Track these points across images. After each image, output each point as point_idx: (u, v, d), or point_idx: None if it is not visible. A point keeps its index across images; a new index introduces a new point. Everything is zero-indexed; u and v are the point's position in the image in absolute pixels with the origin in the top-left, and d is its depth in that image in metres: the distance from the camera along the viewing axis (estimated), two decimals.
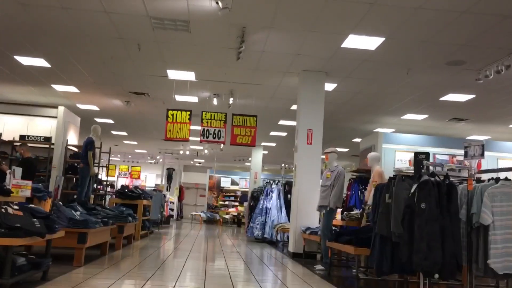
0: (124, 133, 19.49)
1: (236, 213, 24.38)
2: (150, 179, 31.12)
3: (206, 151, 22.73)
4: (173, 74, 10.31)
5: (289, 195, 13.21)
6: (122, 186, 11.57)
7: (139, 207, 10.99)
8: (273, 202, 12.92)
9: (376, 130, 15.16)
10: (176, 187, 26.25)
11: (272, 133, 17.25)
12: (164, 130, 10.60)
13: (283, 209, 12.93)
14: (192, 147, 22.41)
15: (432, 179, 4.05)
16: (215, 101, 11.89)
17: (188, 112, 10.59)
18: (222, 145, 19.30)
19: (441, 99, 10.99)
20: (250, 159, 23.55)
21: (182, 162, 29.34)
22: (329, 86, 10.38)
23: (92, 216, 7.64)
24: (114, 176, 27.14)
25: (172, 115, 10.58)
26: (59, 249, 7.02)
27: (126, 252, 8.25)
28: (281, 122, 15.10)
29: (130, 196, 10.98)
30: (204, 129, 10.63)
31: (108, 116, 15.89)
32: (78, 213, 6.92)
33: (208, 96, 12.10)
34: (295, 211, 9.22)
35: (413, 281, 5.39)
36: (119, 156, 27.26)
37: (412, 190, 4.03)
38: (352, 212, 8.01)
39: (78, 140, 13.80)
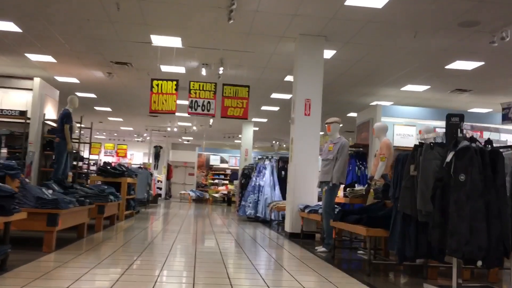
0: (108, 109, 18.55)
1: (226, 192, 23.69)
2: (137, 157, 30.24)
3: (194, 127, 21.89)
4: (158, 40, 9.41)
5: (283, 172, 12.49)
6: (104, 163, 10.75)
7: (122, 185, 10.19)
8: (266, 179, 12.19)
9: (373, 103, 14.42)
10: (164, 165, 25.44)
11: (263, 107, 16.44)
12: (149, 102, 9.74)
13: (277, 187, 12.22)
14: (180, 123, 21.54)
15: (474, 145, 3.31)
16: (203, 72, 11.03)
17: (175, 82, 9.73)
18: (211, 120, 18.48)
19: (446, 67, 10.24)
20: (240, 136, 22.76)
21: (170, 140, 28.48)
22: (327, 54, 9.56)
23: (69, 196, 6.85)
24: (98, 155, 26.21)
25: (157, 85, 9.72)
26: (30, 232, 6.22)
27: (107, 234, 7.48)
28: (274, 96, 14.28)
29: (113, 173, 10.17)
30: (192, 101, 9.79)
31: (90, 90, 14.94)
32: (50, 192, 6.11)
33: (196, 66, 11.22)
34: (292, 188, 8.49)
35: (434, 265, 4.70)
36: (104, 134, 26.31)
37: (448, 159, 3.29)
38: (356, 189, 7.30)
39: (57, 114, 12.88)
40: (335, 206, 7.08)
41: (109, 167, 10.39)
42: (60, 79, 13.38)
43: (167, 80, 9.75)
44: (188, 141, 29.19)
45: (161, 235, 8.15)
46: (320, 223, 8.15)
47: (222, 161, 29.34)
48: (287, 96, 14.24)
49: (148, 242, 6.95)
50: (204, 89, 9.79)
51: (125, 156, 26.71)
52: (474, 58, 9.59)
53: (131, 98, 15.79)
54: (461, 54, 9.36)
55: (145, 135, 26.36)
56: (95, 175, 10.79)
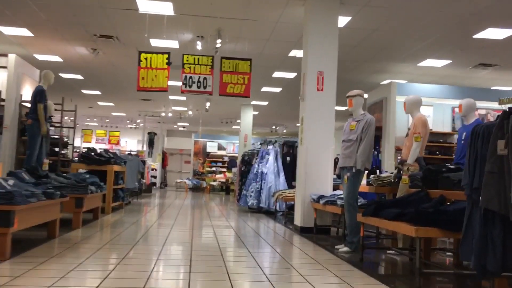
0: (97, 92, 17.27)
1: (224, 180, 22.53)
2: (131, 145, 28.98)
3: (190, 112, 20.65)
4: (145, 6, 8.14)
5: (288, 158, 11.33)
6: (88, 149, 9.53)
7: (108, 174, 9.00)
8: (269, 166, 11.01)
9: (385, 82, 13.22)
10: (159, 153, 24.23)
11: (264, 88, 15.20)
12: (137, 78, 8.51)
13: (282, 174, 11.05)
14: (174, 108, 20.29)
15: None
16: (199, 45, 9.77)
17: (166, 55, 8.49)
18: (207, 104, 17.26)
19: (474, 36, 9.02)
20: (238, 121, 21.55)
21: (164, 126, 27.23)
22: (341, 21, 8.31)
23: (40, 187, 5.66)
24: (90, 142, 24.99)
25: (146, 59, 8.48)
26: None
27: (87, 232, 6.29)
28: (276, 74, 13.04)
29: (97, 160, 8.97)
30: (186, 77, 8.56)
31: (75, 70, 13.66)
32: (11, 182, 4.92)
33: (190, 39, 9.96)
34: (302, 175, 7.31)
35: (507, 275, 3.53)
36: (95, 120, 25.03)
37: None
38: (382, 175, 6.12)
39: None
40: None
41: (93, 154, 9.18)
42: (40, 57, 12.10)
43: (157, 53, 8.52)
44: (183, 127, 27.94)
45: (151, 231, 6.97)
46: (336, 216, 7.02)
47: (220, 148, 28.22)
48: (291, 75, 13.01)
49: (135, 241, 5.77)
50: (200, 63, 8.56)
51: (117, 143, 25.48)
52: (509, 24, 8.36)
53: (121, 79, 14.52)
54: (495, 19, 8.14)
55: (138, 121, 25.10)
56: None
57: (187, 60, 8.54)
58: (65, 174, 7.03)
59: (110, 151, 10.33)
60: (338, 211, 6.09)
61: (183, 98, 17.48)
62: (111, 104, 19.98)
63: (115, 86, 15.92)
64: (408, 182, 5.21)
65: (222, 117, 22.42)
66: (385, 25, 8.68)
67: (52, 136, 10.60)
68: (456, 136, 11.87)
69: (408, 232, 3.79)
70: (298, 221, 7.45)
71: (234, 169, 21.59)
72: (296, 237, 7.04)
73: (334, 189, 7.32)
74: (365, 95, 12.73)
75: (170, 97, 17.41)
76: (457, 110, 11.78)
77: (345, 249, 5.55)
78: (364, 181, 6.11)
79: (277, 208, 10.29)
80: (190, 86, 8.48)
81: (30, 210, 4.57)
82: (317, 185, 7.26)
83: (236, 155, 25.64)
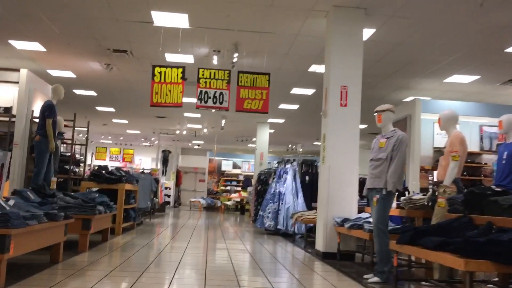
0: (111, 109, 17.02)
1: (239, 199, 22.06)
2: (145, 163, 28.71)
3: (205, 130, 20.29)
4: (160, 18, 7.81)
5: (306, 177, 10.85)
6: (99, 166, 9.17)
7: (119, 193, 8.60)
8: (287, 185, 10.52)
9: (407, 99, 12.72)
10: (173, 171, 23.87)
11: (282, 105, 14.78)
12: (150, 93, 8.15)
13: (300, 194, 10.55)
14: (189, 125, 19.96)
15: None
16: (215, 60, 9.41)
17: (181, 70, 8.14)
18: (223, 121, 16.89)
19: (507, 50, 8.52)
20: (254, 139, 21.14)
21: (179, 144, 26.92)
22: (365, 34, 7.88)
23: (44, 207, 5.28)
24: (104, 160, 24.76)
25: (160, 73, 8.13)
26: None
27: (94, 256, 5.86)
28: (295, 91, 12.63)
29: (108, 179, 8.58)
30: (201, 92, 8.18)
31: (89, 87, 13.41)
32: (11, 203, 4.53)
33: (206, 53, 9.62)
34: (324, 196, 6.81)
35: None
36: (109, 138, 24.82)
37: None
38: (414, 197, 5.60)
39: None
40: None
41: (104, 172, 8.80)
42: (53, 73, 11.86)
43: (171, 67, 8.17)
44: (198, 145, 27.61)
45: (163, 255, 6.51)
46: (360, 240, 6.50)
47: (235, 166, 27.81)
48: (310, 91, 12.60)
49: (145, 266, 5.32)
50: (216, 77, 8.18)
51: (131, 161, 25.20)
52: None
53: (135, 95, 14.23)
54: None
55: (153, 139, 24.84)
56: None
57: (202, 75, 8.17)
58: (73, 193, 6.64)
59: (123, 169, 9.94)
60: (366, 236, 5.57)
61: (198, 115, 17.14)
62: (125, 121, 19.73)
63: (129, 103, 15.64)
64: (445, 205, 4.69)
65: (238, 135, 22.04)
66: (411, 38, 8.24)
67: (63, 153, 10.28)
68: (484, 156, 11.33)
69: (456, 265, 3.28)
70: (320, 245, 6.93)
71: (250, 188, 21.12)
72: (318, 263, 6.52)
73: (359, 212, 6.81)
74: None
75: (185, 114, 17.09)
76: (485, 128, 11.30)
77: (375, 279, 5.02)
78: (393, 204, 5.61)
79: (296, 230, 9.77)
80: (205, 102, 8.10)
81: (29, 233, 4.15)
82: (340, 207, 6.76)
83: (252, 173, 25.18)
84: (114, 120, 19.65)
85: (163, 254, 6.60)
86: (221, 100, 8.11)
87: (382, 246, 5.01)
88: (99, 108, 16.88)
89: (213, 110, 12.53)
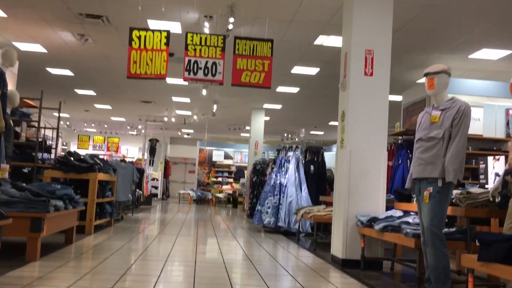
0: (92, 93, 15.46)
1: (231, 191, 20.64)
2: (132, 152, 27.15)
3: (195, 116, 18.79)
4: None
5: (311, 167, 9.46)
6: (68, 152, 7.68)
7: (91, 184, 7.16)
8: (289, 176, 9.11)
9: (421, 80, 11.33)
10: (161, 161, 22.37)
11: (280, 88, 13.32)
12: (127, 62, 6.66)
13: (304, 186, 9.15)
14: (178, 111, 18.45)
15: None
16: (206, 27, 7.92)
17: (164, 34, 6.66)
18: (215, 106, 15.43)
19: None
20: (248, 128, 19.69)
21: (168, 133, 25.38)
22: None
23: None
24: (88, 149, 23.20)
25: (139, 38, 6.65)
26: None
27: (44, 268, 4.40)
28: (296, 70, 11.17)
29: (76, 167, 7.13)
30: (190, 61, 6.70)
31: (63, 64, 11.86)
32: None
33: (196, 20, 8.13)
34: (344, 189, 5.41)
35: None
36: (93, 125, 23.22)
37: None
38: (472, 190, 4.20)
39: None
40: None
41: (72, 158, 7.32)
42: (21, 46, 10.30)
43: (153, 30, 6.68)
44: (188, 134, 26.11)
45: (140, 263, 5.08)
46: (386, 243, 5.13)
47: (226, 156, 26.37)
48: (313, 71, 11.16)
49: (113, 282, 3.88)
50: (208, 43, 6.72)
51: (117, 151, 23.65)
52: None
53: (116, 76, 12.70)
54: None
55: (139, 127, 23.28)
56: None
57: (191, 41, 6.71)
58: (24, 184, 5.17)
59: (97, 156, 8.46)
60: (409, 243, 4.16)
61: (187, 99, 15.66)
62: (109, 107, 18.17)
63: (111, 85, 14.11)
64: None
65: (230, 123, 20.57)
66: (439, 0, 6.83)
67: (30, 139, 8.80)
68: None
69: None
70: (337, 250, 5.52)
71: (243, 180, 19.72)
72: (336, 273, 5.14)
73: (387, 209, 5.43)
74: (395, 97, 10.91)
75: (173, 98, 15.60)
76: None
77: None
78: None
79: (300, 228, 8.38)
80: (195, 73, 6.63)
81: None
82: (364, 203, 5.37)
83: (244, 164, 23.77)
84: (96, 105, 18.09)
85: (140, 262, 5.17)
86: (213, 72, 6.66)
87: (440, 259, 3.61)
88: (78, 91, 15.32)
89: (204, 87, 11.04)
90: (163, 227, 9.22)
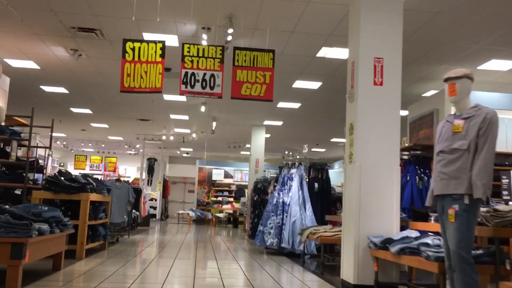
0: (88, 111, 15.10)
1: (231, 211, 20.17)
2: (130, 172, 26.72)
3: (194, 135, 18.41)
4: None
5: (315, 184, 9.03)
6: (59, 172, 7.27)
7: (82, 206, 6.74)
8: (293, 194, 8.68)
9: (427, 94, 11.01)
10: (159, 181, 21.92)
11: (280, 104, 12.97)
12: (121, 75, 6.29)
13: (308, 205, 8.72)
14: (176, 130, 18.08)
15: None
16: (204, 39, 7.58)
17: (160, 45, 6.31)
18: (214, 124, 15.06)
19: None
20: (248, 146, 19.32)
21: (166, 152, 24.98)
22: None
23: None
24: (84, 169, 22.77)
25: (133, 49, 6.29)
26: None
27: None
28: (298, 84, 10.82)
29: (67, 187, 6.72)
30: (187, 73, 6.33)
31: (57, 81, 11.51)
32: None
33: (193, 32, 7.80)
34: (354, 208, 4.99)
35: None
36: (90, 145, 22.83)
37: None
38: (500, 208, 3.79)
39: (6, 109, 9.48)
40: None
41: (62, 178, 6.91)
42: (13, 62, 9.98)
43: (147, 41, 6.32)
44: (187, 153, 25.70)
45: None
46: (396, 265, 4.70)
47: (226, 175, 25.91)
48: (315, 85, 10.81)
49: None
50: (206, 55, 6.37)
51: (114, 170, 23.21)
52: None
53: (112, 93, 12.36)
54: None
55: (137, 146, 22.90)
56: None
57: (188, 52, 6.35)
58: (7, 207, 4.76)
59: (90, 176, 8.05)
60: (432, 268, 3.73)
61: (186, 117, 15.30)
62: (105, 125, 17.80)
63: (107, 103, 13.76)
64: None
65: (230, 140, 20.18)
66: (452, 4, 6.50)
67: (20, 158, 8.41)
68: None
69: None
70: (348, 275, 5.08)
71: (243, 199, 19.26)
72: None
73: (404, 229, 5.00)
74: (401, 112, 10.54)
75: (171, 116, 15.24)
76: None
77: None
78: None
79: (305, 250, 7.93)
80: (192, 86, 6.26)
81: None
82: (377, 223, 4.95)
83: (245, 183, 23.32)
84: (93, 124, 17.72)
85: None
86: (212, 84, 6.29)
87: (469, 286, 3.18)
88: (74, 110, 14.95)
89: (202, 103, 10.75)
90: (160, 250, 8.76)
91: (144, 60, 6.25)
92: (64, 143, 22.68)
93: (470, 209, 3.30)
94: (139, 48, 6.27)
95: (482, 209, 3.79)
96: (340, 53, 8.53)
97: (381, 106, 5.09)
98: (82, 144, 22.79)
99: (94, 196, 7.10)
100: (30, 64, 10.08)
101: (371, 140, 5.05)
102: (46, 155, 8.26)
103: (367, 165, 5.01)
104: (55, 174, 7.02)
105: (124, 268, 6.14)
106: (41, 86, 12.05)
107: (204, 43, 7.52)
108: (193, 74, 6.29)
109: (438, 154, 3.61)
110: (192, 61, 6.33)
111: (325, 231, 6.70)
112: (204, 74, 6.30)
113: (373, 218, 4.94)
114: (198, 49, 6.40)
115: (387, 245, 4.47)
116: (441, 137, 3.63)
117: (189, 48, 6.38)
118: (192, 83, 6.26)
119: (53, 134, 19.61)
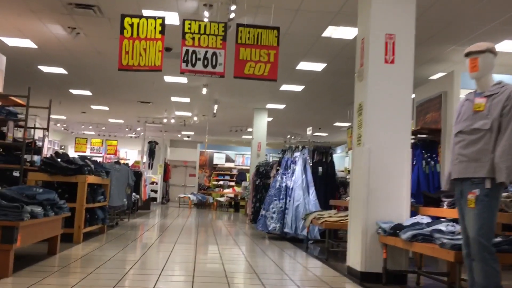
0: (88, 93, 14.83)
1: (232, 195, 19.99)
2: (131, 156, 26.49)
3: (195, 118, 18.16)
4: None
5: (319, 168, 8.81)
6: (56, 153, 7.05)
7: (79, 188, 6.52)
8: (296, 178, 8.46)
9: (434, 77, 10.73)
10: (160, 164, 21.71)
11: (284, 87, 12.68)
12: (119, 52, 6.02)
13: (312, 189, 8.50)
14: (177, 113, 17.82)
15: None
16: (206, 17, 7.27)
17: (159, 21, 6.03)
18: (215, 107, 14.79)
19: None
20: (249, 129, 19.05)
21: (167, 135, 24.75)
22: None
23: None
24: (85, 152, 22.56)
25: (131, 25, 6.01)
26: None
27: (17, 285, 3.77)
28: (302, 66, 10.51)
29: (64, 169, 6.50)
30: (188, 51, 6.06)
31: (56, 61, 11.23)
32: None
33: (194, 9, 7.49)
34: (362, 192, 4.76)
35: None
36: (91, 127, 22.59)
37: None
38: None
39: (3, 89, 9.24)
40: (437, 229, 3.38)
41: (59, 159, 6.69)
42: (9, 41, 9.70)
43: (147, 17, 6.04)
44: (188, 137, 25.46)
45: (132, 277, 4.44)
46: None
47: (228, 159, 25.70)
48: (319, 66, 10.51)
49: None
50: (208, 32, 6.08)
51: (115, 153, 22.99)
52: None
53: (112, 73, 12.08)
54: None
55: (138, 129, 22.65)
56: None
57: (189, 28, 6.07)
58: (0, 188, 4.54)
59: (88, 158, 7.82)
60: (447, 256, 3.51)
61: (187, 99, 15.03)
62: (106, 108, 17.54)
63: (106, 84, 13.48)
64: None
65: (232, 124, 19.92)
66: None
67: (17, 139, 8.20)
68: None
69: None
70: (355, 262, 4.87)
71: (245, 183, 19.05)
72: None
73: (415, 215, 4.78)
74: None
75: (172, 98, 14.97)
76: None
77: None
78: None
79: (305, 233, 7.73)
80: (193, 65, 5.99)
81: None
82: (386, 208, 4.72)
83: (246, 167, 23.12)
84: (93, 107, 17.45)
85: (132, 275, 4.53)
86: (214, 63, 6.02)
87: (490, 276, 2.97)
88: (73, 91, 14.68)
89: (204, 85, 10.55)
90: (160, 234, 8.58)
91: (143, 37, 5.97)
92: (65, 125, 22.45)
93: (491, 193, 3.07)
94: (138, 24, 5.99)
95: (502, 194, 3.55)
96: (346, 32, 8.23)
97: (392, 85, 4.83)
98: (83, 126, 22.56)
99: (92, 179, 6.89)
100: (27, 43, 9.79)
101: (381, 121, 4.80)
102: (43, 136, 8.02)
103: (377, 148, 4.77)
104: (51, 155, 6.80)
105: (122, 253, 5.95)
106: (39, 67, 11.77)
107: (206, 19, 7.23)
108: (194, 52, 6.01)
109: (456, 135, 3.37)
110: (193, 38, 6.05)
111: (330, 216, 6.49)
112: (206, 52, 6.03)
113: (382, 203, 4.71)
114: (199, 25, 6.11)
115: (397, 231, 4.25)
116: (461, 116, 3.38)
117: (190, 24, 6.10)
118: (193, 62, 5.98)
119: (53, 116, 19.34)
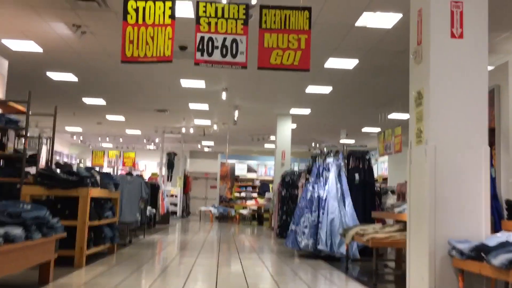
0: (101, 101, 14.05)
1: (255, 207, 19.00)
2: (150, 168, 25.75)
3: (215, 126, 17.26)
4: None
5: (356, 176, 7.76)
6: (56, 164, 6.18)
7: (81, 203, 5.61)
8: (330, 188, 7.42)
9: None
10: (180, 176, 20.85)
11: (309, 88, 11.67)
12: (122, 42, 5.12)
13: (348, 200, 7.46)
14: (196, 121, 16.94)
15: None
16: (224, 2, 6.34)
17: (169, 4, 5.10)
18: (236, 112, 13.83)
19: None
20: (272, 138, 18.05)
21: (187, 146, 23.89)
22: None
23: None
24: (102, 165, 21.87)
25: (136, 10, 5.10)
26: None
27: None
28: (330, 63, 9.48)
29: (63, 181, 5.59)
30: (203, 38, 5.11)
31: (63, 67, 10.45)
32: None
33: None
34: (427, 202, 3.71)
35: None
36: (107, 139, 21.88)
37: None
38: None
39: (6, 95, 8.47)
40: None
41: (58, 170, 5.79)
42: (12, 44, 8.94)
43: (154, 0, 5.12)
44: (208, 147, 24.59)
45: None
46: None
47: (250, 170, 24.72)
48: (351, 63, 9.46)
49: None
50: (227, 15, 5.13)
51: (133, 166, 22.22)
52: None
53: (125, 79, 11.29)
54: None
55: (157, 140, 21.87)
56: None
57: (204, 12, 5.13)
58: None
59: (93, 168, 6.93)
60: None
61: (206, 106, 14.14)
62: (122, 117, 16.77)
63: (120, 91, 12.69)
64: None
65: (253, 132, 18.95)
66: None
67: (17, 150, 7.37)
68: None
69: None
70: None
71: (268, 194, 18.03)
72: None
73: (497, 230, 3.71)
74: None
75: (190, 105, 14.11)
76: None
77: None
78: None
79: (342, 251, 6.68)
80: (209, 54, 5.04)
81: None
82: (459, 222, 3.66)
83: (269, 178, 22.10)
84: (108, 117, 16.70)
85: None
86: (234, 52, 5.06)
87: None
88: (86, 100, 13.93)
89: (223, 89, 9.67)
90: (175, 254, 7.62)
91: (150, 23, 5.06)
92: (81, 138, 21.82)
93: None
94: (144, 8, 5.07)
95: None
96: (384, 20, 7.22)
97: (462, 65, 3.80)
98: (100, 139, 21.89)
99: (96, 192, 5.97)
100: (31, 46, 9.01)
101: (449, 112, 3.76)
102: (38, 143, 7.16)
103: (444, 146, 3.73)
104: (48, 166, 5.92)
105: (130, 279, 4.99)
106: (48, 73, 11.02)
107: (224, 1, 6.30)
108: (210, 39, 5.07)
109: None
110: (209, 23, 5.11)
111: (376, 232, 5.43)
112: (224, 39, 5.08)
113: (453, 216, 3.67)
114: (216, 8, 5.17)
115: (482, 254, 3.19)
116: None
117: (205, 7, 5.16)
118: (210, 51, 5.04)
119: (68, 129, 18.55)
